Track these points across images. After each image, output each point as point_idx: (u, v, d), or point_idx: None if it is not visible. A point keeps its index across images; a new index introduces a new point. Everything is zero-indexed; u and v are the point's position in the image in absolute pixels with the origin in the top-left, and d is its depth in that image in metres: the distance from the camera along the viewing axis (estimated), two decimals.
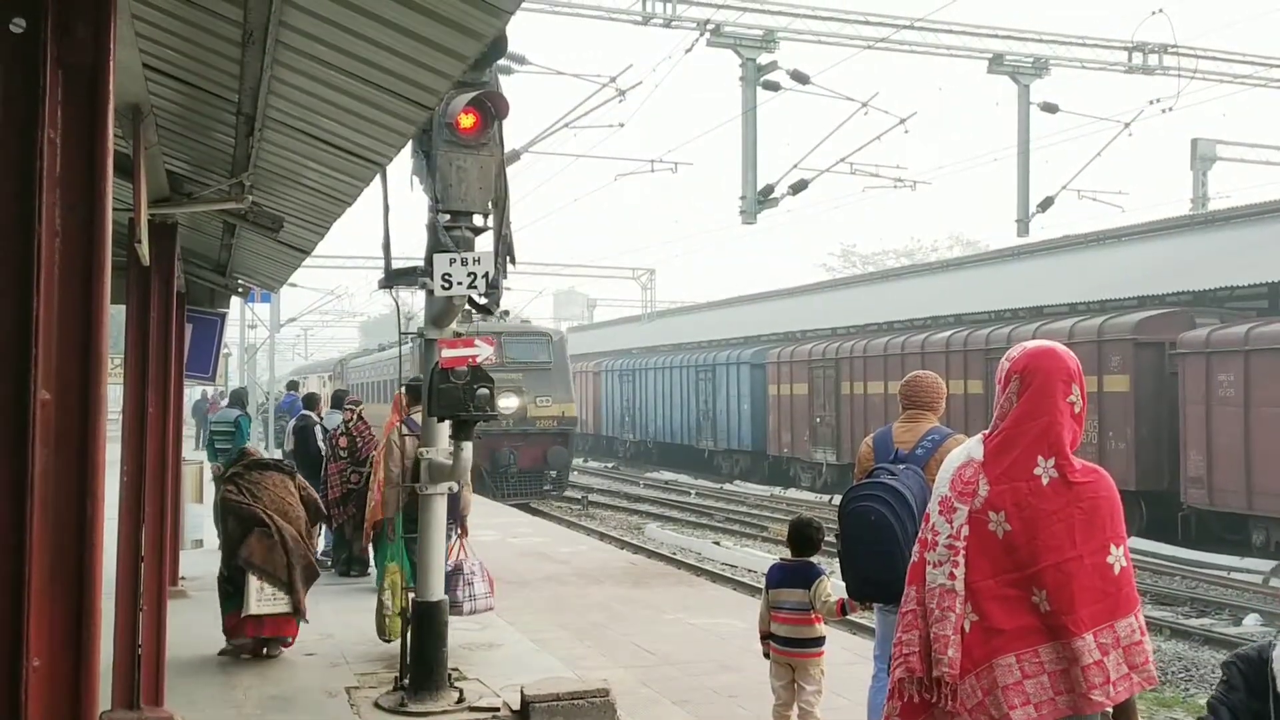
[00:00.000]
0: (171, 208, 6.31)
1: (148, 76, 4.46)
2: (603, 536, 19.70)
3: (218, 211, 6.80)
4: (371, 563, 10.57)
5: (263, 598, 8.00)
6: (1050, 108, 21.78)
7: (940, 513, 3.31)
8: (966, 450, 3.38)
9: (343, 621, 9.07)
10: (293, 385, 23.44)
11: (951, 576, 3.21)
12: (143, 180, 4.73)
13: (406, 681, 7.16)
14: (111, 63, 2.69)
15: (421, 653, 7.12)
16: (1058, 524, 3.15)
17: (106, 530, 2.57)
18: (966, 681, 3.17)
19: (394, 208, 7.28)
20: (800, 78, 19.38)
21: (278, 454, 17.30)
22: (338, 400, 13.64)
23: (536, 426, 24.90)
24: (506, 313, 25.26)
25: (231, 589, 8.12)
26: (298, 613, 8.10)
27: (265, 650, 8.27)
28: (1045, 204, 22.27)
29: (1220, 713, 3.24)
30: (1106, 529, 3.17)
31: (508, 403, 23.42)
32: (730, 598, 11.61)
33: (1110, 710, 3.18)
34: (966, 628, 3.19)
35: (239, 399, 15.86)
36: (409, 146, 6.85)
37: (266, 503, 8.20)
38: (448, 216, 6.86)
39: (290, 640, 8.34)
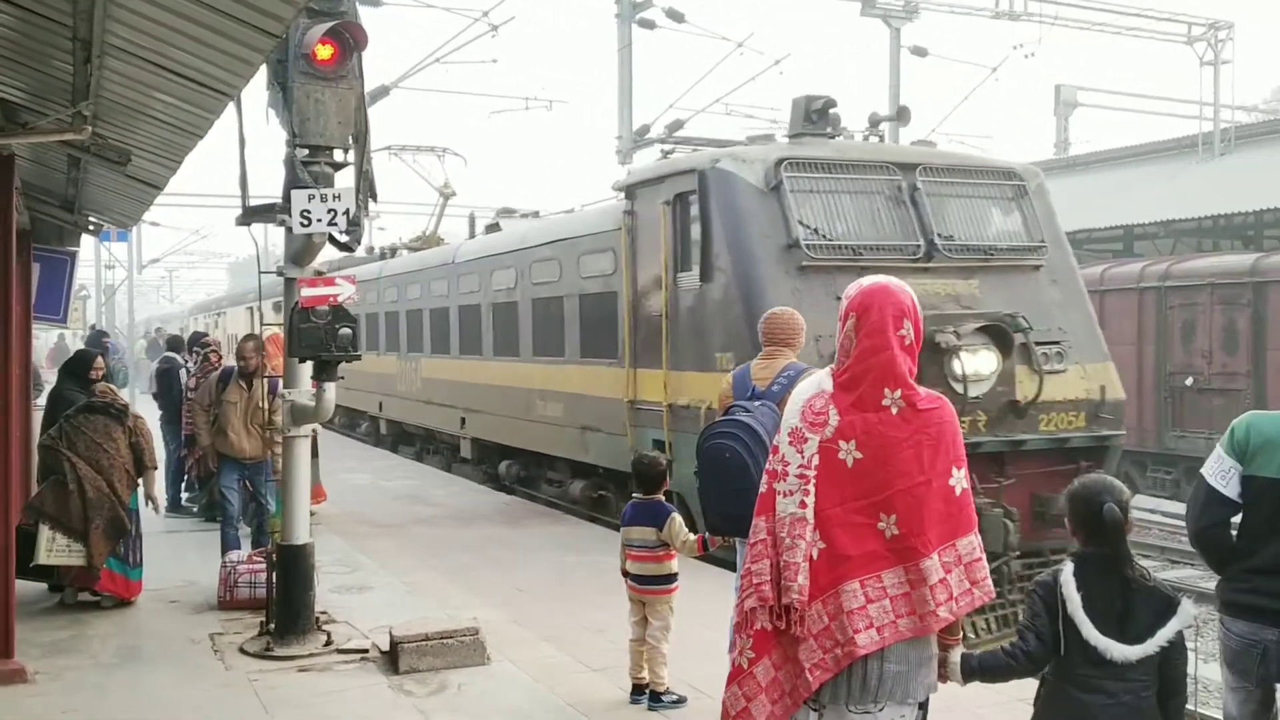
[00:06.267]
0: (5, 138, 5.98)
1: None
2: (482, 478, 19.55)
3: (58, 143, 6.47)
4: None
5: (54, 547, 7.61)
6: (920, 51, 22.14)
7: (790, 443, 3.37)
8: (816, 382, 3.45)
9: (208, 568, 8.86)
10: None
11: (802, 505, 3.29)
12: None
13: (272, 626, 7.07)
14: None
15: (287, 596, 7.04)
16: (907, 450, 3.26)
17: None
18: (813, 607, 3.26)
19: (256, 142, 7.04)
20: (675, 16, 19.32)
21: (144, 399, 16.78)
22: (194, 342, 13.40)
23: (1041, 427, 9.57)
24: (895, 118, 13.02)
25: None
26: (91, 567, 7.70)
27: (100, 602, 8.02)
28: None
29: (1027, 637, 3.48)
30: (950, 453, 3.29)
31: (980, 364, 9.15)
32: (606, 535, 11.68)
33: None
34: (814, 555, 3.28)
35: (96, 341, 15.29)
36: (263, 78, 6.62)
37: (81, 449, 7.75)
38: (305, 151, 6.67)
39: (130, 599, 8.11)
